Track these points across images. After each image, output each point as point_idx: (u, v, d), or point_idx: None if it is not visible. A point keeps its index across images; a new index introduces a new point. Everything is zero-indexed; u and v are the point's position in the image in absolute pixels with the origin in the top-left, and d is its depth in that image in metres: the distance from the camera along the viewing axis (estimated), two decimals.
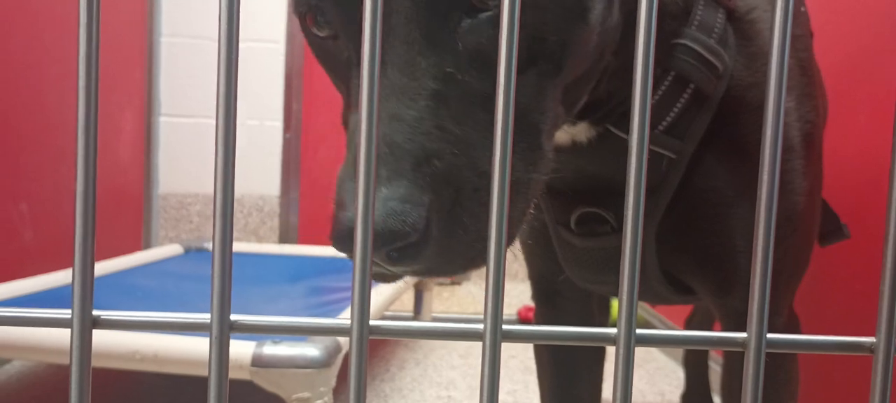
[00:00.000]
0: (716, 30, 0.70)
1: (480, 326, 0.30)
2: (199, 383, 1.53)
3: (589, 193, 0.76)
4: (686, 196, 0.73)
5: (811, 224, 0.80)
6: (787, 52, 0.29)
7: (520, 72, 0.51)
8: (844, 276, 1.26)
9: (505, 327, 0.30)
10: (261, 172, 2.87)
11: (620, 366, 0.30)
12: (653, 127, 0.71)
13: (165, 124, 2.82)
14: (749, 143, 0.72)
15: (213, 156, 0.29)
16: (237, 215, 2.94)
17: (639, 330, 0.30)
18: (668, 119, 0.70)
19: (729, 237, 0.74)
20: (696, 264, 0.78)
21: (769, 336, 0.31)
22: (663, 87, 0.70)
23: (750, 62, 0.72)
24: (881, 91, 1.20)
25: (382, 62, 0.49)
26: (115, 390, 1.68)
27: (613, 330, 0.30)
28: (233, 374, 1.13)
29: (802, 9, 0.84)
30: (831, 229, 0.94)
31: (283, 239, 2.93)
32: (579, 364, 0.96)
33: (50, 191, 2.03)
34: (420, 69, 0.49)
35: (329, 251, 2.38)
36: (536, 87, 0.54)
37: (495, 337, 0.30)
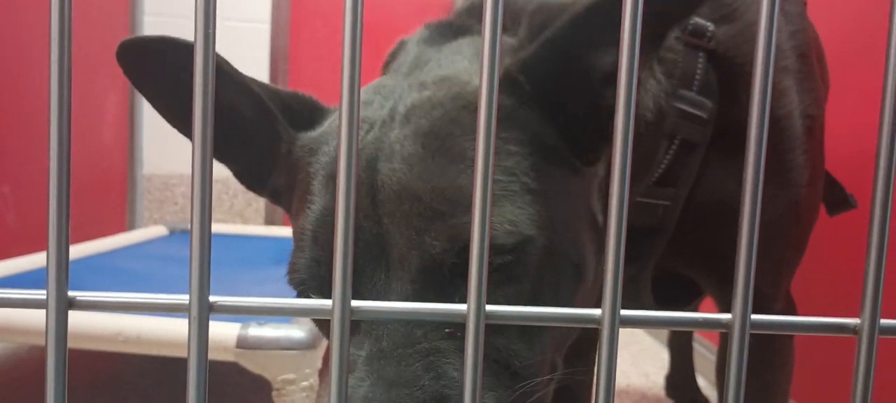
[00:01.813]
0: (697, 77, 0.73)
1: (464, 307, 0.30)
2: (184, 364, 1.52)
3: None
4: (690, 215, 0.77)
5: (811, 213, 0.82)
6: (772, 68, 0.29)
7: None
8: (830, 257, 1.27)
9: (488, 308, 0.30)
10: None
11: (605, 347, 0.30)
12: (644, 181, 0.74)
13: (149, 105, 2.80)
14: (740, 160, 0.74)
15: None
16: (223, 197, 2.93)
17: (623, 312, 0.30)
18: (659, 171, 0.74)
19: (732, 242, 0.76)
20: (703, 267, 0.82)
21: (753, 317, 0.31)
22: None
23: (733, 96, 0.75)
24: (869, 72, 1.21)
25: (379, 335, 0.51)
26: (99, 372, 1.68)
27: (598, 311, 0.30)
28: (218, 356, 1.13)
29: None
30: (838, 199, 0.96)
31: (269, 220, 2.92)
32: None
33: (33, 173, 2.01)
34: (416, 336, 0.51)
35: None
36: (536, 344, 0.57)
37: (478, 318, 0.29)
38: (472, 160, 0.53)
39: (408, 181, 0.53)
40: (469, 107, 0.57)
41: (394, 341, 0.51)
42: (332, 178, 0.57)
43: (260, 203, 2.95)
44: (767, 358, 0.85)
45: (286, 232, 2.47)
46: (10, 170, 1.94)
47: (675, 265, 0.82)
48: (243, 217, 2.97)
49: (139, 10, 2.73)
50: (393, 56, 0.73)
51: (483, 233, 0.29)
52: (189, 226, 1.51)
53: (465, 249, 0.51)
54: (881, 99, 0.30)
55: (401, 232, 0.52)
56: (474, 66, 0.63)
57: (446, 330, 0.51)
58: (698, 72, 0.73)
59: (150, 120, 2.80)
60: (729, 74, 0.75)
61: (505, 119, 0.57)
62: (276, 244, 2.25)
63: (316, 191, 0.58)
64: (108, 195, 2.63)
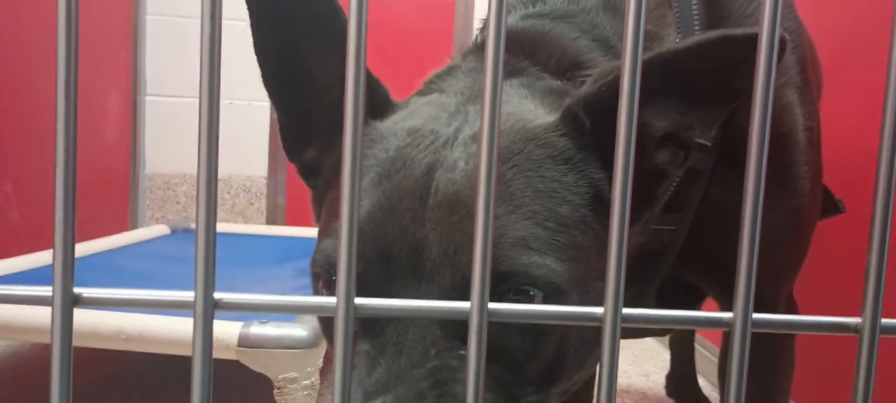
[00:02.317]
0: None
1: (466, 305, 0.30)
2: (186, 362, 1.52)
3: None
4: (694, 226, 0.78)
5: (812, 218, 0.84)
6: (773, 73, 0.29)
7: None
8: (832, 257, 1.27)
9: (491, 306, 0.30)
10: (248, 153, 2.86)
11: (606, 346, 0.30)
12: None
13: (152, 104, 2.80)
14: (744, 167, 0.75)
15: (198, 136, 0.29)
16: (225, 196, 2.93)
17: (625, 310, 0.30)
18: (666, 198, 0.75)
19: (735, 250, 0.76)
20: (706, 274, 0.83)
21: (755, 316, 0.31)
22: None
23: (734, 115, 0.75)
24: (870, 72, 1.21)
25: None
26: (101, 369, 1.68)
27: (600, 310, 0.30)
28: (219, 354, 1.13)
29: None
30: (827, 205, 0.97)
31: (271, 220, 2.92)
32: None
33: (35, 171, 2.02)
34: (431, 354, 0.52)
35: (317, 232, 2.37)
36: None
37: (481, 317, 0.30)
38: (527, 198, 0.54)
39: (463, 193, 0.53)
40: (535, 141, 0.57)
41: (411, 360, 0.51)
42: (385, 177, 0.57)
43: (262, 202, 2.95)
44: (769, 358, 0.86)
45: (288, 231, 2.47)
46: (12, 169, 1.94)
47: (678, 272, 0.82)
48: (245, 216, 2.97)
49: (142, 10, 2.73)
50: (442, 77, 0.72)
51: (486, 232, 0.29)
52: (191, 225, 1.52)
53: (495, 278, 0.51)
54: (882, 99, 0.30)
55: (442, 242, 0.52)
56: (539, 109, 0.63)
57: (461, 352, 0.51)
58: None
59: (153, 119, 2.81)
60: None
61: (566, 161, 0.57)
62: (277, 243, 2.25)
63: (366, 187, 0.57)
64: (111, 194, 2.64)
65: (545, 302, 0.52)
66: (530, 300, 0.52)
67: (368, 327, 0.54)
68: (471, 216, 0.52)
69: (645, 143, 0.58)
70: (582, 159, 0.57)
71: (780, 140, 0.75)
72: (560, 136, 0.58)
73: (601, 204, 0.57)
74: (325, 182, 0.66)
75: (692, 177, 0.74)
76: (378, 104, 0.65)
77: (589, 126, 0.57)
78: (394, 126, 0.62)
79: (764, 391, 0.85)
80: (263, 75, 0.65)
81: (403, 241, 0.53)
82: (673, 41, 0.73)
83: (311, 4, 0.60)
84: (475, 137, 0.57)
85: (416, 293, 0.52)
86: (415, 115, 0.63)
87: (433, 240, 0.52)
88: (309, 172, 0.69)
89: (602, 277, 0.57)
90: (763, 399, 0.85)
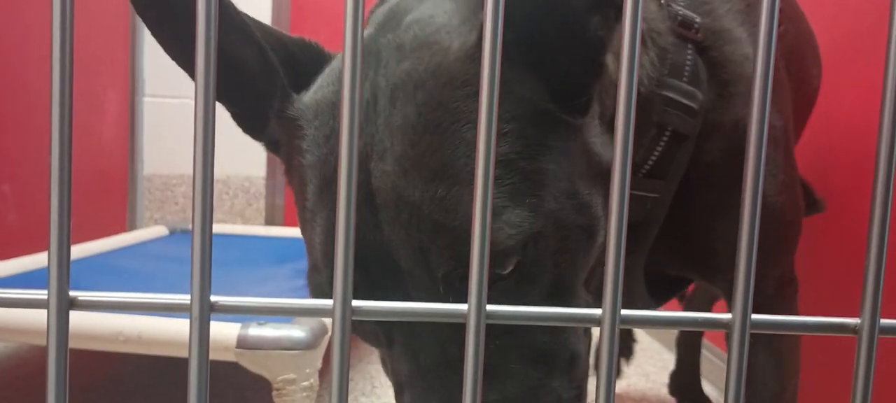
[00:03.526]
0: (687, 68, 0.73)
1: (464, 307, 0.30)
2: (184, 364, 1.52)
3: None
4: (678, 210, 0.77)
5: (788, 216, 0.84)
6: (772, 69, 0.29)
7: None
8: (831, 257, 1.27)
9: (489, 308, 0.30)
10: (247, 153, 2.85)
11: (605, 346, 0.30)
12: (634, 173, 0.73)
13: (150, 105, 2.80)
14: (727, 159, 0.76)
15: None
16: (223, 197, 2.93)
17: (624, 311, 0.30)
18: (649, 164, 0.73)
19: (715, 238, 0.79)
20: (689, 263, 0.83)
21: (754, 317, 0.31)
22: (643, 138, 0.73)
23: (722, 89, 0.75)
24: (869, 68, 1.21)
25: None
26: (100, 372, 1.68)
27: (598, 311, 0.30)
28: (218, 356, 1.13)
29: None
30: (808, 202, 0.99)
31: (270, 220, 2.92)
32: None
33: (33, 172, 2.01)
34: (451, 352, 0.52)
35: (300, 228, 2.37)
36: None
37: (479, 319, 0.29)
38: (467, 151, 0.50)
39: (403, 188, 0.50)
40: (453, 82, 0.52)
41: (431, 359, 0.51)
42: (327, 185, 0.54)
43: (260, 203, 2.95)
44: (786, 355, 0.86)
45: (286, 232, 2.47)
46: (10, 169, 1.94)
47: (664, 261, 0.82)
48: (244, 217, 2.97)
49: None
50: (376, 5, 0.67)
51: (483, 233, 0.29)
52: (189, 226, 1.53)
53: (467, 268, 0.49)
54: (881, 97, 0.30)
55: (404, 244, 0.50)
56: (453, 20, 0.56)
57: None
58: (688, 63, 0.73)
59: (151, 120, 2.80)
60: (717, 66, 0.75)
61: (473, 94, 0.52)
62: (276, 244, 2.25)
63: (312, 199, 0.55)
64: (109, 195, 2.63)
65: (529, 251, 0.50)
66: (515, 265, 0.51)
67: (389, 340, 0.55)
68: (416, 208, 0.49)
69: (576, 18, 0.52)
70: (511, 79, 0.52)
71: None
72: (478, 62, 0.52)
73: (542, 118, 0.53)
74: (287, 153, 0.63)
75: (677, 143, 0.73)
76: (307, 69, 0.61)
77: (512, 40, 0.51)
78: (323, 96, 0.58)
79: (774, 393, 0.85)
80: (189, 72, 0.62)
81: (370, 254, 0.52)
82: (669, 57, 0.72)
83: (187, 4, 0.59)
84: (392, 98, 0.52)
85: (405, 298, 0.52)
86: (336, 74, 0.59)
87: (397, 244, 0.51)
88: (276, 147, 0.67)
89: (575, 189, 0.54)
90: (773, 399, 0.85)
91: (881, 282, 0.30)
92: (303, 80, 0.61)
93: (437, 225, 0.49)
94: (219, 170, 2.55)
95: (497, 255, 0.50)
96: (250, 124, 0.67)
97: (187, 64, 0.61)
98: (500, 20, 0.28)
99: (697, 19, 0.74)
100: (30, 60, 1.99)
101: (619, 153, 0.29)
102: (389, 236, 0.51)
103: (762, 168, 0.29)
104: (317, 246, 0.55)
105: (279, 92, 0.61)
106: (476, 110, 0.49)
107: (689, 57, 0.73)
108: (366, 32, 0.61)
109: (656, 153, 0.73)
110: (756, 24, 0.78)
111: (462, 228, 0.49)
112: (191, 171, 3.02)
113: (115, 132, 2.62)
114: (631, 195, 0.74)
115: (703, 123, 0.74)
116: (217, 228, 2.35)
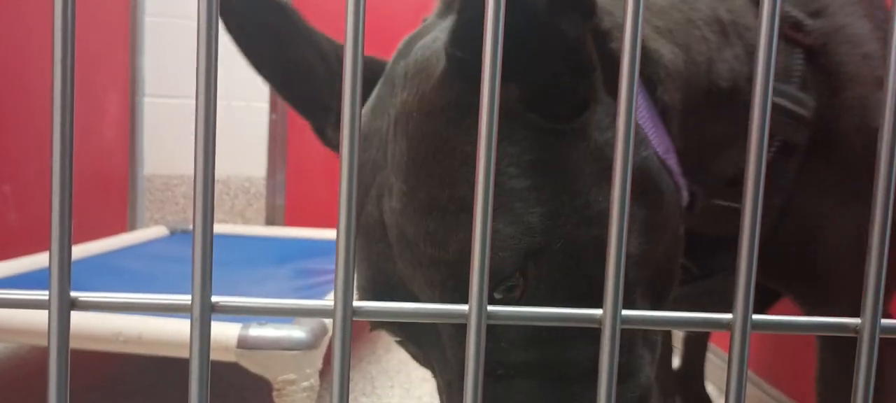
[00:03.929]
0: (796, 73, 0.68)
1: (465, 308, 0.30)
2: (184, 364, 1.52)
3: None
4: (781, 225, 0.72)
5: None
6: (772, 71, 0.29)
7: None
8: None
9: (490, 309, 0.30)
10: (247, 154, 2.85)
11: (606, 347, 0.30)
12: (737, 185, 0.68)
13: (150, 105, 2.80)
14: (842, 167, 0.71)
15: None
16: (224, 197, 2.93)
17: (624, 312, 0.30)
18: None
19: (818, 261, 0.73)
20: (789, 282, 0.77)
21: (754, 317, 0.31)
22: None
23: (835, 96, 0.69)
24: None
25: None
26: (101, 372, 1.68)
27: (598, 312, 0.30)
28: (218, 356, 1.13)
29: None
30: None
31: (270, 221, 2.92)
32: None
33: (34, 173, 2.01)
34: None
35: (316, 233, 2.37)
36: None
37: (480, 320, 0.29)
38: (451, 179, 0.49)
39: (404, 225, 0.51)
40: (433, 111, 0.52)
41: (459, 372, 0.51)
42: (358, 211, 0.55)
43: (261, 203, 2.95)
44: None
45: (287, 232, 2.47)
46: (11, 170, 1.94)
47: (759, 275, 0.76)
48: (244, 217, 2.97)
49: (140, 10, 2.73)
50: (406, 43, 0.68)
51: (484, 233, 0.29)
52: (190, 227, 1.52)
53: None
54: (885, 94, 0.30)
55: (412, 279, 0.51)
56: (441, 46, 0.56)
57: (502, 345, 0.51)
58: (797, 68, 0.68)
59: (151, 120, 2.80)
60: (826, 73, 0.69)
61: (463, 117, 0.51)
62: (276, 244, 2.25)
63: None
64: (109, 195, 2.63)
65: (531, 266, 0.49)
66: (519, 287, 0.49)
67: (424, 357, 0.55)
68: (414, 245, 0.50)
69: (539, 19, 0.51)
70: (472, 103, 0.50)
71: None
72: (450, 88, 0.52)
73: (530, 128, 0.51)
74: None
75: (784, 153, 0.67)
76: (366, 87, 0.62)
77: (470, 59, 0.50)
78: (363, 124, 0.59)
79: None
80: (272, 86, 0.66)
81: (389, 282, 0.53)
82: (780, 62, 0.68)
83: (266, 8, 0.61)
84: (395, 131, 0.53)
85: (417, 325, 0.53)
86: (370, 106, 0.59)
87: (407, 278, 0.51)
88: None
89: (581, 197, 0.51)
90: None
91: (881, 283, 0.30)
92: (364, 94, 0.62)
93: (433, 260, 0.49)
94: (219, 171, 2.55)
95: (494, 279, 0.48)
96: (318, 130, 0.68)
97: (267, 73, 0.65)
98: (501, 23, 0.28)
99: (808, 22, 0.69)
100: (30, 60, 1.99)
101: (619, 152, 0.29)
102: (402, 271, 0.52)
103: (762, 164, 0.29)
104: (357, 278, 0.56)
105: (337, 104, 0.63)
106: (454, 136, 0.51)
107: (798, 61, 0.68)
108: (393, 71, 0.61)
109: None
110: (882, 10, 0.72)
111: (455, 260, 0.49)
112: (191, 171, 3.00)
113: (115, 132, 2.62)
114: (730, 209, 0.69)
115: (812, 133, 0.68)
116: (218, 228, 2.35)
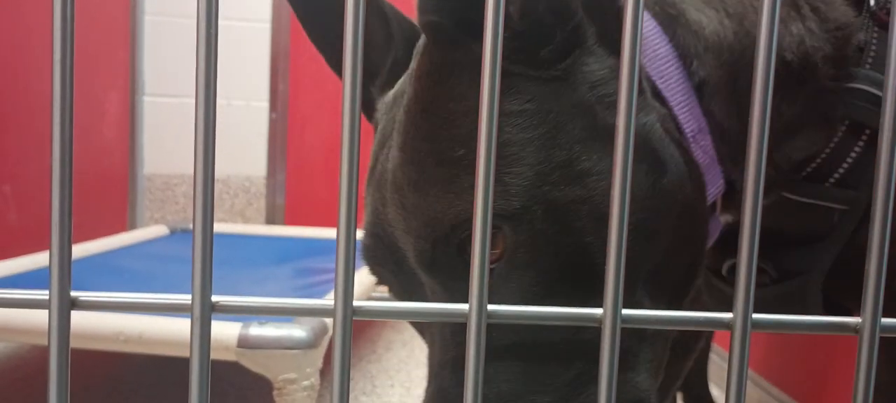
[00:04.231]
0: (874, 54, 0.63)
1: (465, 307, 0.30)
2: (185, 364, 1.52)
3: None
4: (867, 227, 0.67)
5: None
6: (772, 69, 0.29)
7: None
8: None
9: (490, 308, 0.30)
10: (247, 153, 2.85)
11: (606, 347, 0.30)
12: (823, 179, 0.65)
13: (150, 104, 2.80)
14: None
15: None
16: (224, 196, 2.93)
17: (625, 311, 0.30)
18: (841, 170, 0.64)
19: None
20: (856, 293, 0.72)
21: (755, 316, 0.31)
22: (837, 138, 0.64)
23: None
24: None
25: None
26: (101, 371, 1.68)
27: (599, 311, 0.30)
28: (219, 355, 1.13)
29: None
30: None
31: (270, 220, 2.92)
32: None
33: (34, 173, 2.01)
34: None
35: (316, 232, 2.37)
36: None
37: (480, 319, 0.29)
38: (434, 137, 0.51)
39: (395, 173, 0.53)
40: (421, 77, 0.53)
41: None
42: (376, 152, 0.59)
43: (260, 203, 2.95)
44: None
45: (287, 231, 2.47)
46: (10, 170, 1.94)
47: (832, 287, 0.70)
48: (244, 216, 2.97)
49: (140, 10, 2.73)
50: None
51: (484, 232, 0.29)
52: (190, 226, 1.52)
53: (451, 230, 0.49)
54: (883, 94, 0.30)
55: (398, 223, 0.53)
56: None
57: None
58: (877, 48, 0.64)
59: (151, 119, 2.80)
60: None
61: (445, 77, 0.51)
62: (276, 243, 2.25)
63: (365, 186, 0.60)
64: (109, 194, 2.63)
65: (507, 236, 0.48)
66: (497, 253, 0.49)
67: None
68: (403, 194, 0.52)
69: None
70: (456, 57, 0.51)
71: None
72: (430, 53, 0.53)
73: (505, 78, 0.48)
74: None
75: (874, 146, 0.65)
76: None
77: (440, 21, 0.51)
78: (389, 98, 0.63)
79: None
80: (329, 62, 0.68)
81: (382, 225, 0.55)
82: (873, 49, 0.64)
83: None
84: (404, 94, 0.56)
85: (400, 270, 0.55)
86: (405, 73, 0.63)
87: (394, 220, 0.53)
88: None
89: (571, 155, 0.49)
90: None
91: (882, 282, 0.30)
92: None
93: (415, 206, 0.51)
94: (219, 170, 2.56)
95: (467, 242, 0.48)
96: (368, 106, 0.69)
97: (329, 56, 0.67)
98: (501, 19, 0.28)
99: None
100: (30, 60, 1.99)
101: (620, 153, 0.29)
102: (390, 213, 0.53)
103: (762, 169, 0.29)
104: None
105: (386, 72, 0.65)
106: (438, 96, 0.52)
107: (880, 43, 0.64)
108: None
109: (851, 157, 0.63)
110: None
111: (431, 208, 0.50)
112: (191, 171, 2.99)
113: (115, 132, 2.62)
114: (813, 206, 0.65)
115: None
116: (218, 228, 2.35)
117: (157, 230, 2.30)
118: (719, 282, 0.75)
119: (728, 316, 0.31)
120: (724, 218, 0.66)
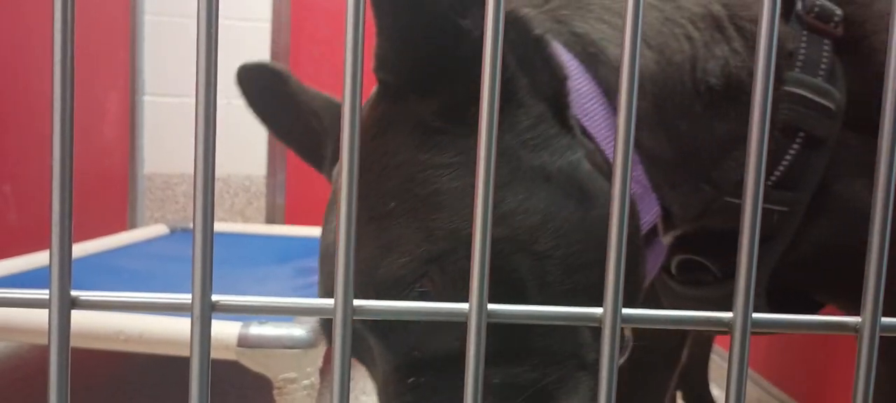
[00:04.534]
0: (823, 65, 0.65)
1: (465, 307, 0.30)
2: (186, 363, 1.51)
3: (693, 240, 0.72)
4: (817, 225, 0.69)
5: None
6: (772, 71, 0.29)
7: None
8: None
9: (490, 307, 0.30)
10: (247, 152, 2.85)
11: (606, 346, 0.30)
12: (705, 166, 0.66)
13: (150, 104, 2.80)
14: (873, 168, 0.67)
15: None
16: (224, 196, 2.93)
17: (625, 310, 0.30)
18: (778, 172, 0.66)
19: (849, 263, 0.69)
20: (826, 284, 0.74)
21: (755, 315, 0.31)
22: (772, 143, 0.65)
23: (868, 86, 0.66)
24: None
25: None
26: (101, 371, 1.68)
27: (599, 310, 0.30)
28: (219, 355, 1.13)
29: None
30: None
31: (270, 219, 2.92)
32: None
33: (34, 172, 2.01)
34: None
35: (316, 232, 2.37)
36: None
37: (480, 319, 0.29)
38: (365, 193, 0.53)
39: (327, 238, 0.58)
40: (363, 129, 0.54)
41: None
42: (323, 259, 0.62)
43: (261, 202, 2.95)
44: None
45: (287, 231, 2.47)
46: (10, 169, 1.94)
47: (793, 280, 0.73)
48: (244, 216, 2.97)
49: (140, 10, 2.73)
50: None
51: (484, 231, 0.29)
52: (190, 225, 1.52)
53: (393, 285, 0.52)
54: (883, 93, 0.30)
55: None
56: None
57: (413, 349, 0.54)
58: (824, 59, 0.65)
59: (151, 119, 2.80)
60: (858, 64, 0.67)
61: (382, 132, 0.54)
62: (277, 243, 2.25)
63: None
64: (110, 194, 2.63)
65: (435, 278, 0.50)
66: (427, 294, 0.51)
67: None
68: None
69: (440, 25, 0.52)
70: (394, 111, 0.54)
71: None
72: (376, 106, 0.55)
73: (438, 134, 0.53)
74: None
75: (810, 147, 0.65)
76: None
77: (391, 80, 0.54)
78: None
79: None
80: (299, 154, 0.78)
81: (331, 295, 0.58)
82: (801, 53, 0.65)
83: (270, 77, 0.73)
84: None
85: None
86: None
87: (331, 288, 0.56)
88: None
89: (512, 180, 0.52)
90: None
91: (881, 282, 0.30)
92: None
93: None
94: (219, 169, 2.56)
95: (395, 288, 0.50)
96: (318, 170, 0.78)
97: (297, 149, 0.78)
98: (501, 22, 0.28)
99: (838, 12, 0.66)
100: (30, 60, 1.99)
101: (620, 152, 0.29)
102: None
103: (762, 168, 0.29)
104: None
105: (330, 152, 0.72)
106: (373, 151, 0.54)
107: (825, 53, 0.66)
108: None
109: (786, 159, 0.65)
110: None
111: (364, 269, 0.52)
112: (191, 170, 2.98)
113: (115, 131, 2.62)
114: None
115: (842, 126, 0.66)
116: (218, 227, 2.34)
117: (158, 229, 2.30)
118: (670, 280, 0.78)
119: (728, 315, 0.31)
120: (667, 240, 0.68)
